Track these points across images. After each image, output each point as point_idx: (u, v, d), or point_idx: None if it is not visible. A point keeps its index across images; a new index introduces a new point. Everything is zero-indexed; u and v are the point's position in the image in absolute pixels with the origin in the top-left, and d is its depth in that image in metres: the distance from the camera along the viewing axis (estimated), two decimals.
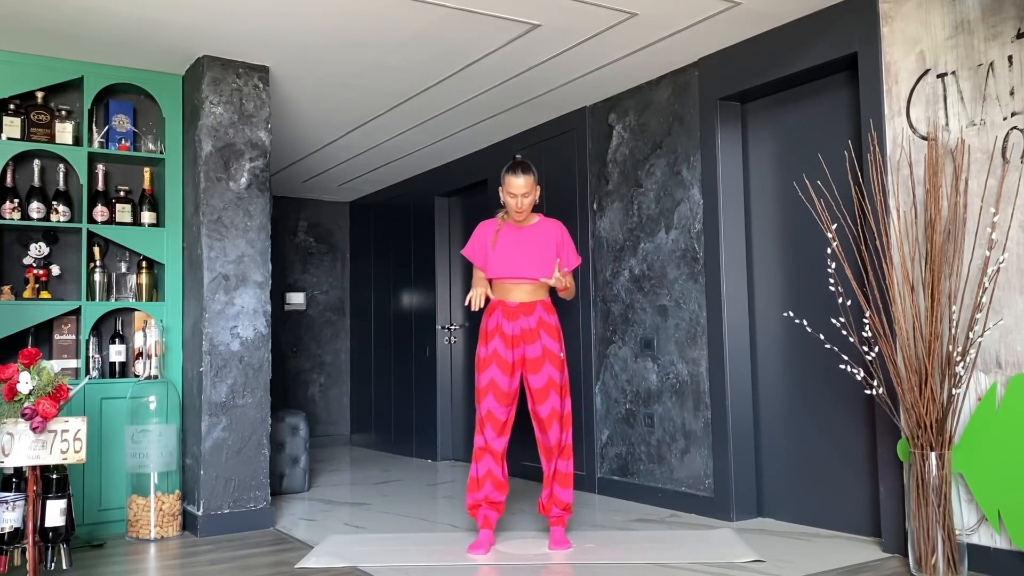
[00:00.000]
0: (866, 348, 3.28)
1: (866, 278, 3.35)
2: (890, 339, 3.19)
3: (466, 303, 3.67)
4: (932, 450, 2.99)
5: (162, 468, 4.07)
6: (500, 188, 3.71)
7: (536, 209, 3.91)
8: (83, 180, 4.24)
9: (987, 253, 3.02)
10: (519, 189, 3.62)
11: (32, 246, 4.22)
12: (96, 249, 4.31)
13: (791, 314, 3.96)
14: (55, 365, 3.23)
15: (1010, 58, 3.06)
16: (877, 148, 3.38)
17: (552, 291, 3.76)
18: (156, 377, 4.17)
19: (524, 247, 3.63)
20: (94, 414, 4.15)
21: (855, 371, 3.25)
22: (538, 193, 3.70)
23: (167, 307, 4.40)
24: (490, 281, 3.70)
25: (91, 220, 4.26)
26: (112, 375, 4.32)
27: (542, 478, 3.70)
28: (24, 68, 4.13)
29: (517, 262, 3.61)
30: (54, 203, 4.21)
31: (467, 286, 6.56)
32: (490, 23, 3.82)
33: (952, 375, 3.00)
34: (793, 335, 4.03)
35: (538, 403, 3.61)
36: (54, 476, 3.21)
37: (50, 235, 4.30)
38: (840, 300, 3.33)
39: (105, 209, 4.30)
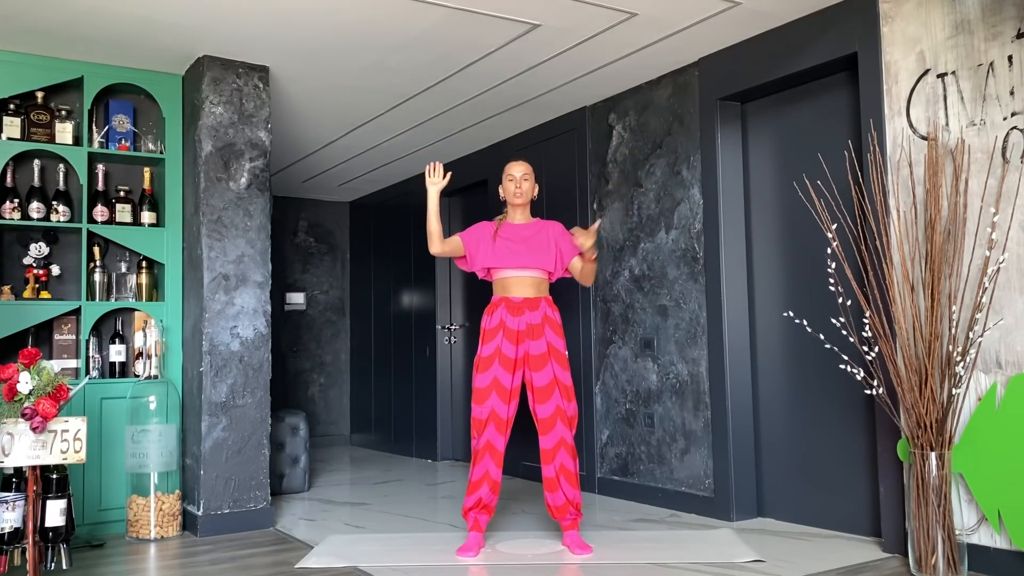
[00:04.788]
0: (866, 348, 3.28)
1: (866, 278, 3.35)
2: (890, 339, 3.19)
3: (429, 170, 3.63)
4: (932, 450, 2.99)
5: (162, 468, 4.07)
6: (499, 186, 3.74)
7: (536, 210, 3.92)
8: (83, 180, 4.24)
9: (987, 253, 3.02)
10: (518, 171, 3.67)
11: (32, 246, 4.22)
12: (96, 249, 4.31)
13: (791, 314, 3.96)
14: (55, 365, 3.23)
15: (1010, 58, 3.06)
16: (877, 148, 3.38)
17: (553, 289, 3.75)
18: (156, 377, 4.17)
19: (526, 241, 3.64)
20: (94, 414, 4.15)
21: (855, 371, 3.25)
22: (537, 191, 3.73)
23: (167, 307, 4.40)
24: (489, 272, 3.71)
25: (91, 220, 4.26)
26: (112, 375, 4.32)
27: (544, 482, 3.64)
28: (24, 68, 4.13)
29: (520, 253, 3.60)
30: (54, 203, 4.21)
31: (467, 286, 6.57)
32: (490, 23, 3.82)
33: (952, 375, 3.00)
34: (793, 335, 4.03)
35: (539, 402, 3.56)
36: (54, 476, 3.20)
37: (50, 235, 4.30)
38: (840, 300, 3.33)
39: (105, 209, 4.30)
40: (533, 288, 3.62)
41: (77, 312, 4.23)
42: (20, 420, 2.95)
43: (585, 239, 3.53)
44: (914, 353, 3.08)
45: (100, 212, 4.28)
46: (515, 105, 5.06)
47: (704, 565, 3.29)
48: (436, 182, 3.62)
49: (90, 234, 4.29)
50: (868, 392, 3.32)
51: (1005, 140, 3.07)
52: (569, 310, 5.10)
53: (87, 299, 4.24)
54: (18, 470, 3.11)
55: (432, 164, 3.64)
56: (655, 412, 4.57)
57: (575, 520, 3.60)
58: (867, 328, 3.23)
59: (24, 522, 3.04)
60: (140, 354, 4.27)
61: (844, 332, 3.33)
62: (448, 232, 6.60)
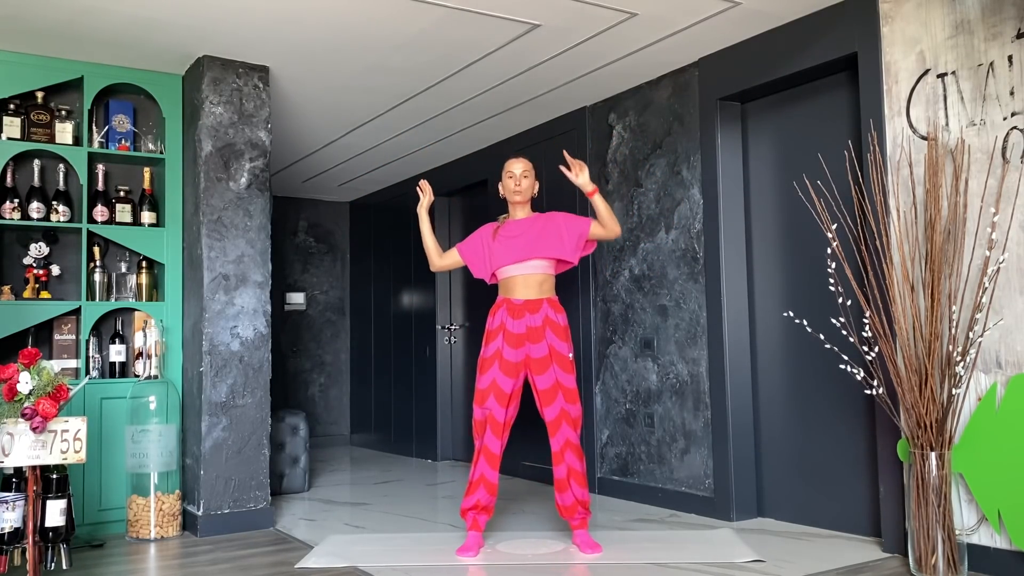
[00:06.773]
0: (866, 348, 3.28)
1: (866, 278, 3.35)
2: (890, 339, 3.19)
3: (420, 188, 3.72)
4: (932, 450, 2.99)
5: (162, 468, 4.07)
6: (500, 184, 3.73)
7: (536, 209, 3.92)
8: (83, 180, 4.24)
9: (987, 253, 3.02)
10: (517, 168, 3.67)
11: (32, 246, 4.22)
12: (96, 249, 4.31)
13: (791, 314, 3.96)
14: (55, 365, 3.23)
15: (1010, 58, 3.06)
16: (877, 148, 3.38)
17: (558, 288, 3.74)
18: (156, 377, 4.17)
19: (524, 234, 3.62)
20: (94, 414, 4.15)
21: (855, 371, 3.25)
22: (537, 188, 3.72)
23: (167, 307, 4.40)
24: (495, 277, 3.71)
25: (91, 220, 4.26)
26: (112, 375, 4.32)
27: (549, 480, 3.65)
28: (24, 68, 4.13)
29: (518, 248, 3.59)
30: (54, 203, 4.21)
31: (467, 286, 6.57)
32: (490, 23, 3.82)
33: (952, 375, 3.00)
34: (793, 335, 4.03)
35: (544, 405, 3.56)
36: (54, 476, 3.20)
37: (50, 235, 4.30)
38: (840, 300, 3.33)
39: (105, 209, 4.30)
40: (535, 289, 3.60)
41: (77, 312, 4.23)
42: (20, 420, 2.95)
43: (577, 174, 3.51)
44: (914, 353, 3.08)
45: (100, 212, 4.28)
46: (515, 105, 5.06)
47: (704, 565, 3.29)
48: (422, 203, 3.73)
49: (90, 234, 4.29)
50: (868, 392, 3.32)
51: (1005, 140, 3.07)
52: (569, 310, 5.10)
53: (87, 299, 4.24)
54: (18, 470, 3.11)
55: (420, 183, 3.72)
56: (655, 412, 4.57)
57: (584, 519, 3.60)
58: (867, 328, 3.23)
59: (24, 522, 3.04)
60: (140, 354, 4.27)
61: (844, 332, 3.33)
62: (449, 235, 6.65)
